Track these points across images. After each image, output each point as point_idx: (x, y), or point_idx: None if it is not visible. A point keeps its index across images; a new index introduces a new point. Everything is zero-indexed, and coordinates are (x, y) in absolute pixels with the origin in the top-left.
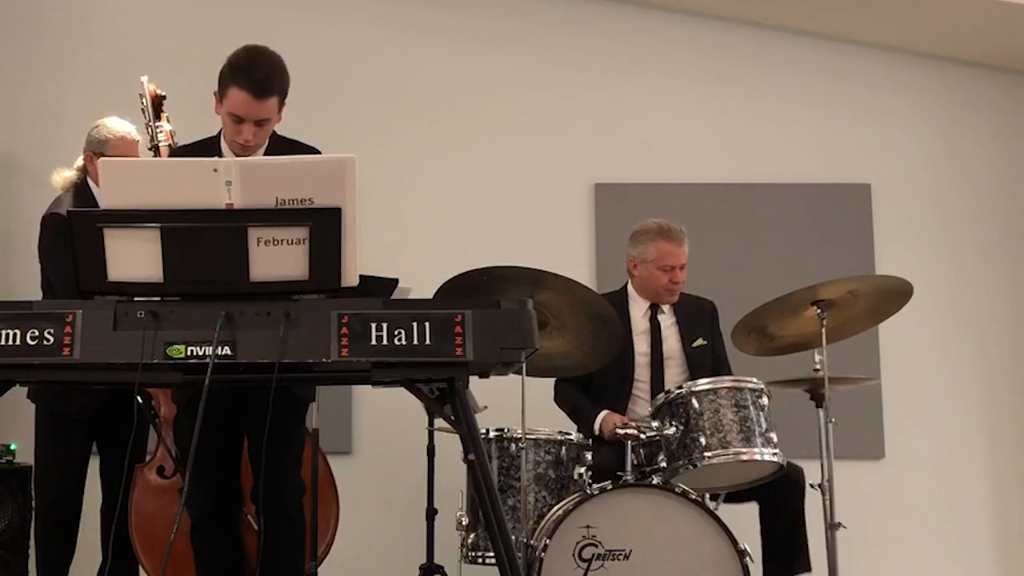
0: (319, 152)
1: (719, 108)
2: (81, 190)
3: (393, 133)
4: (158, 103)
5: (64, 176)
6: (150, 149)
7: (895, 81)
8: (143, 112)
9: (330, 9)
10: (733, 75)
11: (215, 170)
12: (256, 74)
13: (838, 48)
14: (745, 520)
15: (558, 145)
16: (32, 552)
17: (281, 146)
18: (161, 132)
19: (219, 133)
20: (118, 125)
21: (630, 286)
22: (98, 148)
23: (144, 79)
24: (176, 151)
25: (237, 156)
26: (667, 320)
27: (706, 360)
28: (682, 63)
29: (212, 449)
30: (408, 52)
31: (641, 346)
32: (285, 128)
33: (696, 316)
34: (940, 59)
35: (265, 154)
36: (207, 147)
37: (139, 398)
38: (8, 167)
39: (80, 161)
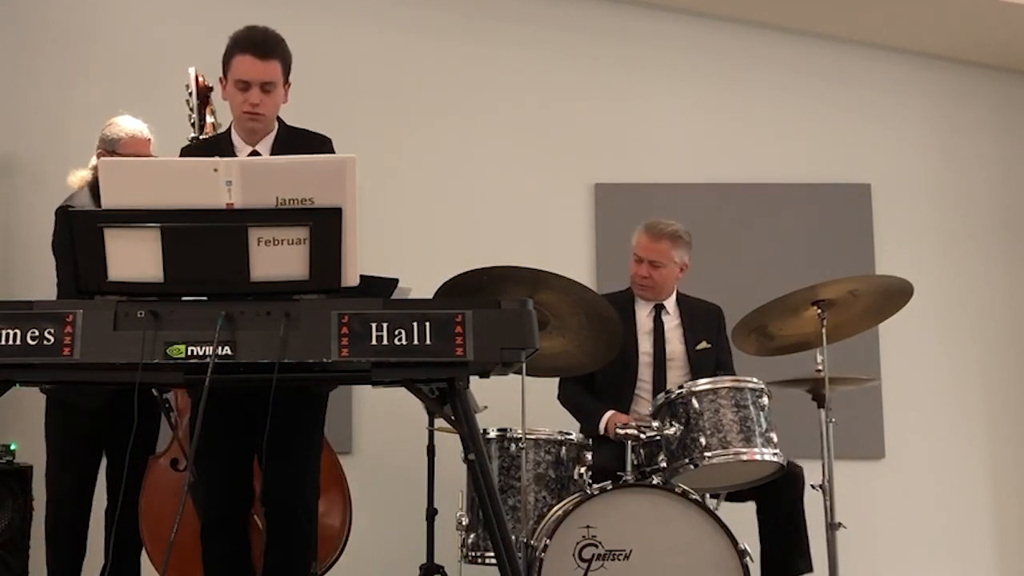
0: (330, 140)
1: (719, 108)
2: (96, 188)
3: (393, 133)
4: (205, 95)
5: (80, 176)
6: (190, 140)
7: (895, 81)
8: (187, 104)
9: (330, 10)
10: (733, 75)
11: (215, 170)
12: (257, 38)
13: (838, 48)
14: (745, 520)
15: (558, 145)
16: (32, 552)
17: (291, 135)
18: (204, 125)
19: (230, 127)
20: (130, 124)
21: None
22: (110, 147)
23: (192, 70)
24: (188, 146)
25: (246, 142)
26: (671, 321)
27: (709, 363)
28: (682, 63)
29: (222, 450)
30: (408, 52)
31: (645, 346)
32: None
33: (701, 319)
34: (940, 59)
35: (275, 142)
36: (219, 141)
37: (153, 392)
38: (8, 167)
39: (94, 160)
